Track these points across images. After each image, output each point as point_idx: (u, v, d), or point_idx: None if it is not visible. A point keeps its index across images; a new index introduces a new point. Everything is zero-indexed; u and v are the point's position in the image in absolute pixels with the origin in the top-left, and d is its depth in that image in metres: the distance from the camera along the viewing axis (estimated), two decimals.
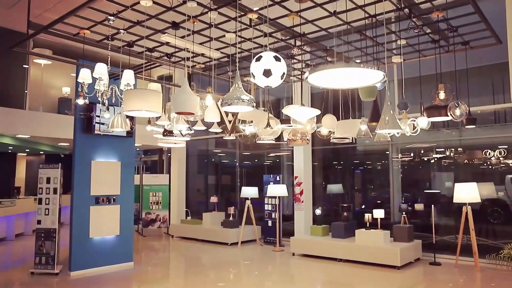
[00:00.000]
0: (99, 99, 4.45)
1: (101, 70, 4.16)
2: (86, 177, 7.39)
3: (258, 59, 2.88)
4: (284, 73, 2.90)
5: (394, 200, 9.30)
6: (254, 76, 2.90)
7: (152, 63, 6.55)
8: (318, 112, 3.97)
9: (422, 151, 9.50)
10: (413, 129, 5.42)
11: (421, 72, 6.03)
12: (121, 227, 7.81)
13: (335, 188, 10.96)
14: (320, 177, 10.84)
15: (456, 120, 4.72)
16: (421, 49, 5.66)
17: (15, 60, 10.50)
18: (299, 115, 3.80)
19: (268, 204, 10.33)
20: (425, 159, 9.58)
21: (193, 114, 3.55)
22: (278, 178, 10.27)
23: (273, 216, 10.14)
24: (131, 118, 7.90)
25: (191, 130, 5.79)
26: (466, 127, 5.43)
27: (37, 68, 11.35)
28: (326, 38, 5.47)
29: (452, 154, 9.06)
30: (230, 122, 4.94)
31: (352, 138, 9.72)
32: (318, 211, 9.45)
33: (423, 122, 4.74)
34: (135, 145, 13.36)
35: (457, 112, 4.62)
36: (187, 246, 10.45)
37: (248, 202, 10.08)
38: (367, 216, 8.29)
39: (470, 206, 7.42)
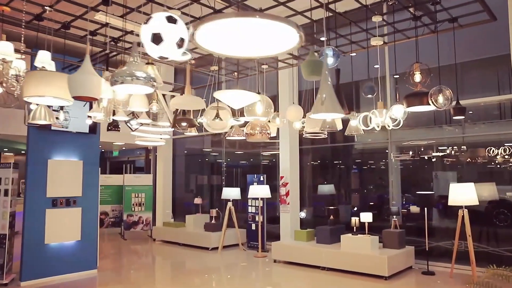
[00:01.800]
0: (4, 84, 3.80)
1: (5, 49, 3.51)
2: (41, 178, 6.75)
3: (146, 22, 2.17)
4: (182, 40, 2.19)
5: (394, 201, 8.55)
6: (143, 45, 2.20)
7: (109, 51, 5.86)
8: (256, 97, 3.24)
9: (422, 149, 8.74)
10: (394, 122, 4.68)
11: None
12: (83, 231, 7.16)
13: (326, 188, 10.20)
14: (313, 178, 10.12)
15: (440, 109, 3.97)
16: (401, 29, 4.89)
17: None
18: (233, 101, 3.09)
19: (251, 206, 9.62)
20: (426, 157, 8.82)
21: (96, 99, 2.86)
22: (261, 178, 9.55)
23: (256, 219, 9.42)
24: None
25: (141, 124, 5.11)
26: (454, 118, 4.66)
27: None
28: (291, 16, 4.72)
29: (453, 153, 8.30)
30: (174, 113, 4.25)
31: (354, 137, 8.92)
32: (302, 214, 8.69)
33: (398, 111, 3.97)
34: (118, 143, 12.84)
35: (440, 99, 3.86)
36: (166, 251, 9.79)
37: (229, 204, 9.38)
38: (354, 220, 7.52)
39: (466, 210, 6.64)
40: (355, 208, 9.68)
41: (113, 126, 4.93)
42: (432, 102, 3.90)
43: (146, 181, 12.00)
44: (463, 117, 4.58)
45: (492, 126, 8.29)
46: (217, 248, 9.44)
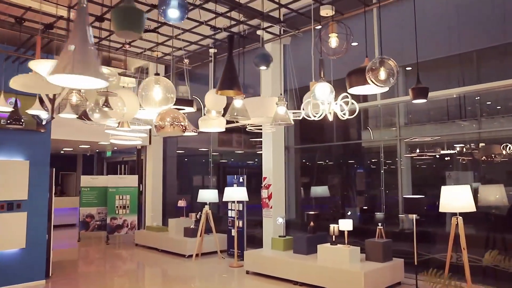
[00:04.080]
0: None
1: None
2: None
3: None
4: None
5: (384, 206, 7.54)
6: None
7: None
8: (104, 79, 2.34)
9: (433, 147, 7.67)
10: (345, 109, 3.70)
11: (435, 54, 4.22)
12: (28, 238, 6.51)
13: (319, 190, 9.21)
14: (304, 179, 9.20)
15: (383, 86, 2.98)
16: None
17: None
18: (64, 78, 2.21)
19: (231, 210, 8.76)
20: (438, 156, 7.72)
21: None
22: (241, 180, 8.67)
23: (236, 224, 8.56)
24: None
25: (53, 117, 4.34)
26: (414, 101, 3.63)
27: None
28: None
29: (465, 150, 7.22)
30: (51, 99, 3.46)
31: (357, 134, 7.93)
32: (280, 220, 7.72)
33: (321, 90, 2.96)
34: (102, 143, 12.25)
35: (382, 74, 2.88)
36: (140, 258, 9.07)
37: (206, 208, 8.56)
38: (332, 227, 6.51)
39: (461, 217, 5.54)
40: (349, 213, 8.64)
41: (13, 119, 4.20)
42: (372, 80, 2.92)
43: (131, 183, 11.36)
44: (425, 100, 3.54)
45: None
46: (196, 255, 8.63)
